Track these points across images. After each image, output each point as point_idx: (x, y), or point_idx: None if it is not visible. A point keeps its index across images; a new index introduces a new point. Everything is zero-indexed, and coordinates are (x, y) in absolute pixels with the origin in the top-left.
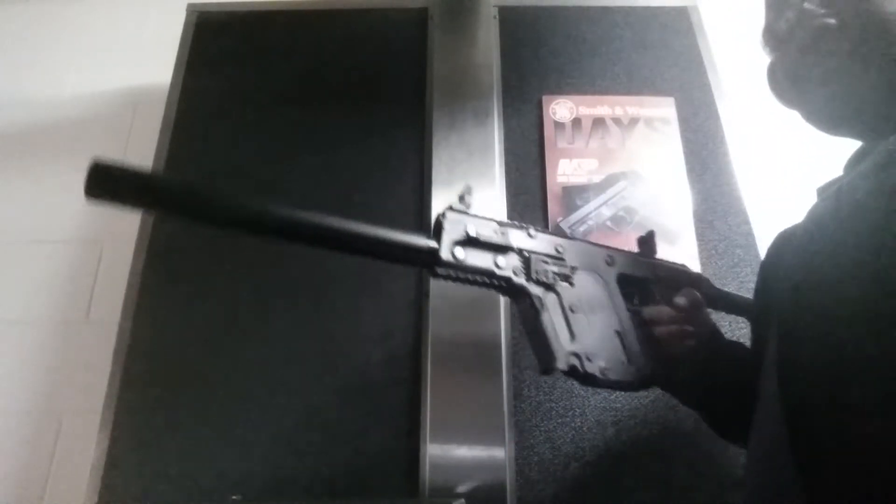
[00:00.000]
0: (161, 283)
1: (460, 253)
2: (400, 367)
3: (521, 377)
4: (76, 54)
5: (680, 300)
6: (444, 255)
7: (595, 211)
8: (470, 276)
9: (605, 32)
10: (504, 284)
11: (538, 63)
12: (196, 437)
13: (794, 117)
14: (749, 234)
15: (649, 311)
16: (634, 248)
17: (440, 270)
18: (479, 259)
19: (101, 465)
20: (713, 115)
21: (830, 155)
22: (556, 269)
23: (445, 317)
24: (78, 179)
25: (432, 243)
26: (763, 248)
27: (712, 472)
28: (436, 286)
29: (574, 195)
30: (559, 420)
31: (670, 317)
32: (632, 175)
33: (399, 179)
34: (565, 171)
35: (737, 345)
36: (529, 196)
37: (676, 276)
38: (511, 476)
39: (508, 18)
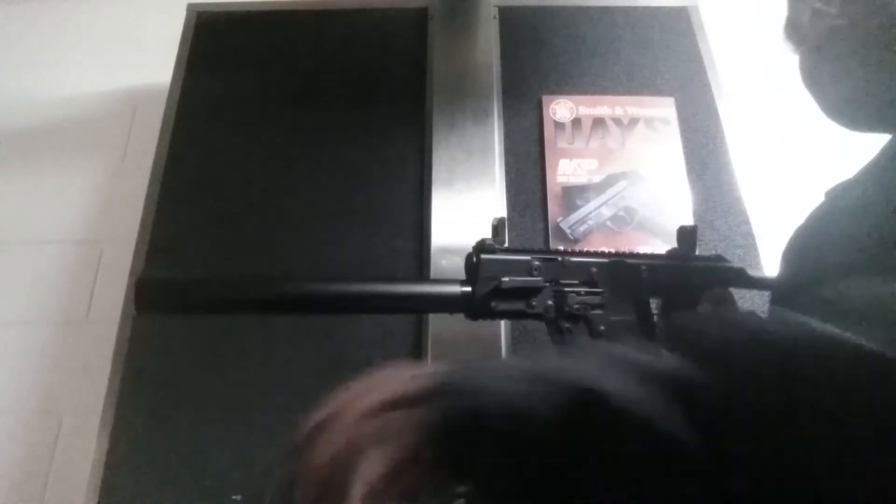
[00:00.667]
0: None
1: (493, 302)
2: None
3: None
4: (76, 54)
5: (702, 307)
6: (479, 308)
7: (595, 211)
8: (506, 318)
9: (605, 32)
10: (535, 319)
11: (538, 63)
12: (196, 437)
13: (793, 117)
14: (749, 234)
15: (677, 320)
16: (667, 243)
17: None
18: (511, 304)
19: (101, 465)
20: (713, 115)
21: (831, 155)
22: (588, 298)
23: (445, 317)
24: (78, 179)
25: (467, 290)
26: (763, 248)
27: None
28: None
29: (574, 195)
30: None
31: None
32: (632, 175)
33: (399, 179)
34: (565, 171)
35: None
36: (529, 196)
37: (711, 276)
38: None
39: (508, 18)
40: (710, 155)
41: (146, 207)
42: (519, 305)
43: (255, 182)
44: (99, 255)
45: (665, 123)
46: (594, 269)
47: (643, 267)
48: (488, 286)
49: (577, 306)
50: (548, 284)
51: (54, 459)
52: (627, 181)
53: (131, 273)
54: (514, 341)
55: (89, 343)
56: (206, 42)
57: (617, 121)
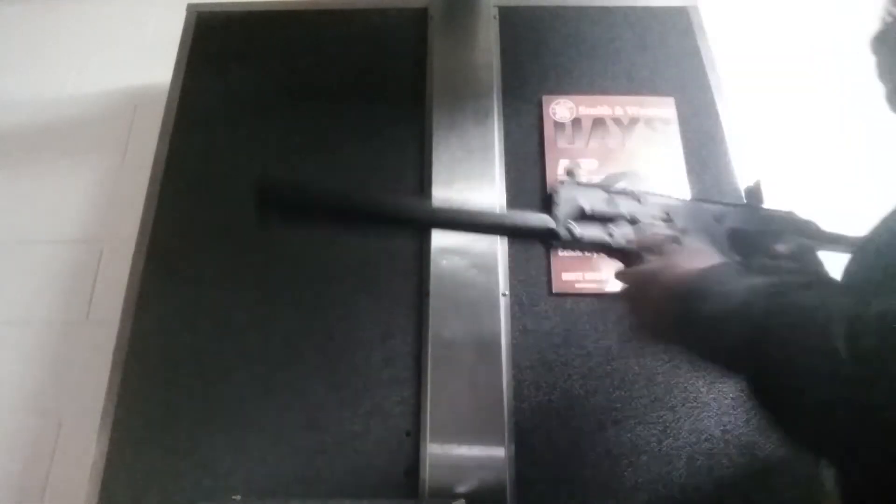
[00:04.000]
0: (161, 283)
1: (576, 229)
2: (400, 367)
3: (521, 377)
4: (76, 54)
5: (780, 247)
6: (561, 231)
7: None
8: (587, 248)
9: (605, 32)
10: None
11: (538, 63)
12: (196, 437)
13: (792, 117)
14: None
15: (755, 262)
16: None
17: (558, 244)
18: (593, 231)
19: (101, 465)
20: (713, 115)
21: (830, 155)
22: (665, 232)
23: (445, 317)
24: (78, 179)
25: (549, 223)
26: None
27: (712, 473)
28: (436, 286)
29: None
30: (559, 420)
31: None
32: (632, 175)
33: (399, 179)
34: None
35: None
36: (529, 196)
37: (783, 224)
38: (511, 476)
39: (508, 18)
40: (710, 155)
41: (146, 207)
42: (599, 232)
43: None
44: (99, 255)
45: (665, 123)
46: (669, 208)
47: (715, 210)
48: (569, 212)
49: (654, 240)
50: (626, 216)
51: (54, 459)
52: (627, 181)
53: (131, 273)
54: (514, 341)
55: (89, 343)
56: (206, 42)
57: (617, 121)
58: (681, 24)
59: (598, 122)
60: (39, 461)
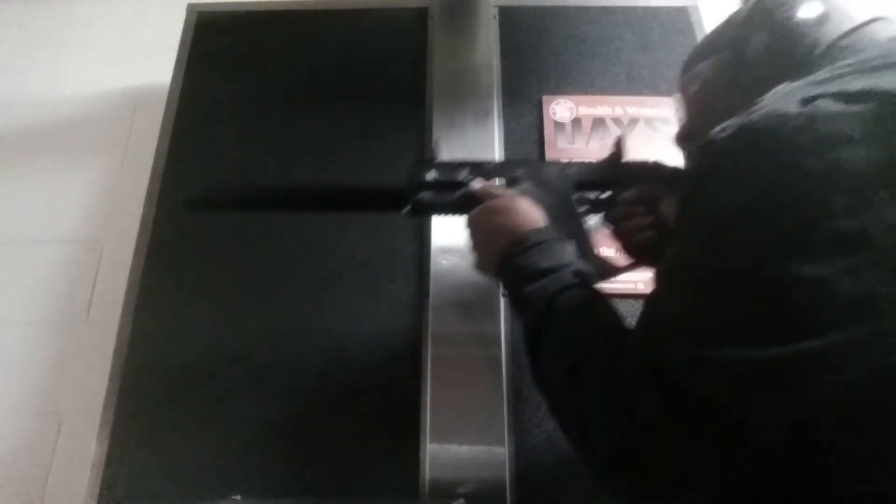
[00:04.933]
0: (161, 283)
1: (426, 196)
2: (400, 367)
3: (521, 377)
4: (76, 54)
5: (626, 196)
6: (409, 198)
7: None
8: (436, 211)
9: (605, 32)
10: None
11: (538, 63)
12: (196, 437)
13: None
14: None
15: (608, 213)
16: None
17: (407, 209)
18: (441, 198)
19: (101, 465)
20: None
21: None
22: (500, 189)
23: (445, 317)
24: (78, 179)
25: (397, 192)
26: None
27: None
28: (436, 286)
29: None
30: None
31: (621, 213)
32: None
33: (399, 180)
34: None
35: None
36: None
37: (640, 174)
38: (511, 476)
39: (508, 18)
40: None
41: (146, 207)
42: (447, 197)
43: (254, 182)
44: (99, 255)
45: (665, 123)
46: (515, 172)
47: (559, 168)
48: (417, 183)
49: None
50: (471, 178)
51: (54, 459)
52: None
53: (131, 273)
54: (514, 341)
55: (89, 343)
56: (206, 42)
57: (617, 121)
58: (681, 24)
59: (598, 122)
60: (39, 461)
